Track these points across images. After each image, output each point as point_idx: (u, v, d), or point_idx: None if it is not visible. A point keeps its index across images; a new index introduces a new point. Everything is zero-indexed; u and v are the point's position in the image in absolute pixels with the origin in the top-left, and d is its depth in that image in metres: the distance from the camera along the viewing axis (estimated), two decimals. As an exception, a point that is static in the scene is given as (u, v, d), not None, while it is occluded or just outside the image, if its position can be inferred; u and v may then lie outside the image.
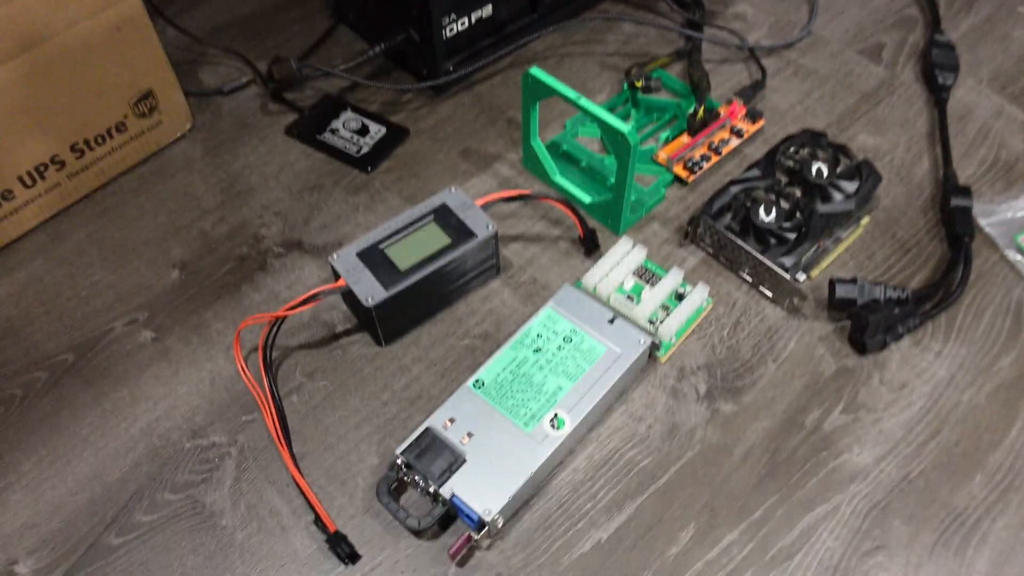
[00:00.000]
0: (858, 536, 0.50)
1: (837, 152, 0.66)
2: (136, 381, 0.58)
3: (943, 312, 0.60)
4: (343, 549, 0.49)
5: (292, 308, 0.54)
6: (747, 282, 0.62)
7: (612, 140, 0.57)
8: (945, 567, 0.49)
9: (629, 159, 0.57)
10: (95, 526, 0.52)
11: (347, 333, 0.60)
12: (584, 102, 0.57)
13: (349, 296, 0.56)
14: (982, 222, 0.65)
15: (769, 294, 0.60)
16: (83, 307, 0.62)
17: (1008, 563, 0.49)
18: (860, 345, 0.57)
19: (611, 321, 0.55)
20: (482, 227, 0.57)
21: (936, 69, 0.75)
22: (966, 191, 0.65)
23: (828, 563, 0.49)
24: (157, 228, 0.67)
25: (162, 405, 0.57)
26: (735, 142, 0.70)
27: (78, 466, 0.54)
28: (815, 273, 0.62)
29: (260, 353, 0.56)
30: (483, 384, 0.53)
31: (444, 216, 0.58)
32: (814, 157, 0.66)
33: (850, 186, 0.64)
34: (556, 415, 0.51)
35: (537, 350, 0.54)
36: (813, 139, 0.67)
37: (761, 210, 0.61)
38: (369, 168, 0.69)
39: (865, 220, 0.65)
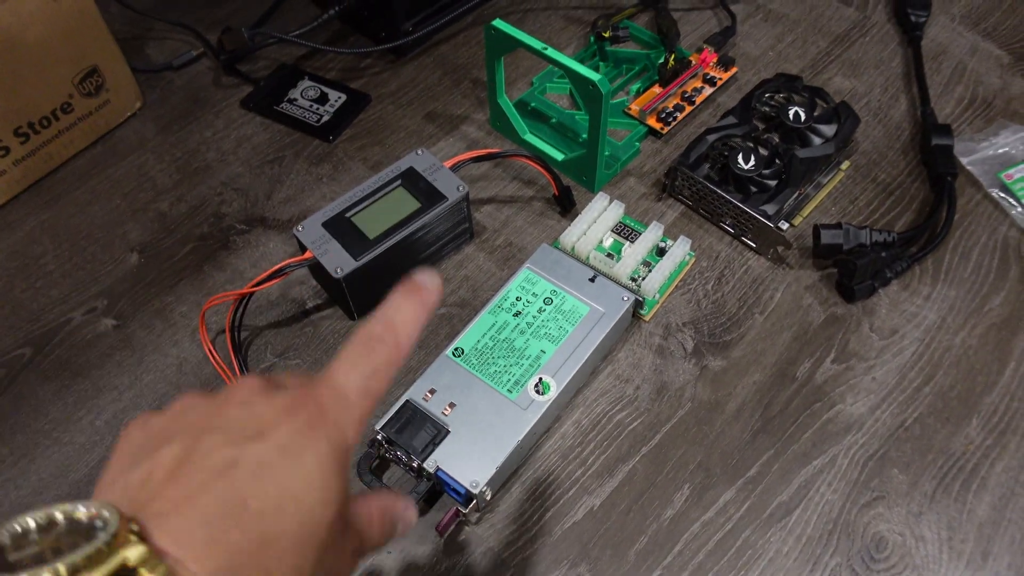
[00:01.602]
0: (856, 487, 0.49)
1: (813, 96, 0.64)
2: (99, 372, 0.55)
3: (930, 254, 0.58)
4: (325, 532, 0.47)
5: (258, 284, 0.51)
6: (729, 233, 0.60)
7: (582, 90, 0.55)
8: (946, 514, 0.48)
9: (601, 109, 0.54)
10: (63, 525, 0.49)
11: (317, 309, 0.57)
12: (551, 52, 0.55)
13: (317, 269, 0.54)
14: (963, 161, 0.63)
15: (752, 244, 0.59)
16: (38, 299, 0.59)
17: (1009, 506, 0.48)
18: (848, 292, 0.56)
19: (592, 279, 0.53)
20: (452, 189, 0.55)
21: (908, 7, 0.73)
22: (946, 129, 0.63)
23: (828, 516, 0.48)
24: (112, 212, 0.64)
25: (128, 395, 0.54)
26: (708, 91, 0.67)
27: (43, 464, 0.52)
28: (798, 221, 0.60)
29: (228, 334, 0.53)
30: (462, 352, 0.50)
31: (412, 180, 0.55)
32: (790, 102, 0.64)
33: (828, 129, 0.62)
34: (541, 380, 0.49)
35: (517, 314, 0.52)
36: (788, 83, 0.65)
37: (740, 157, 0.59)
38: (331, 137, 0.66)
39: (846, 165, 0.63)
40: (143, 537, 0.22)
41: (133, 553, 0.21)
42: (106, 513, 0.22)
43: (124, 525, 0.22)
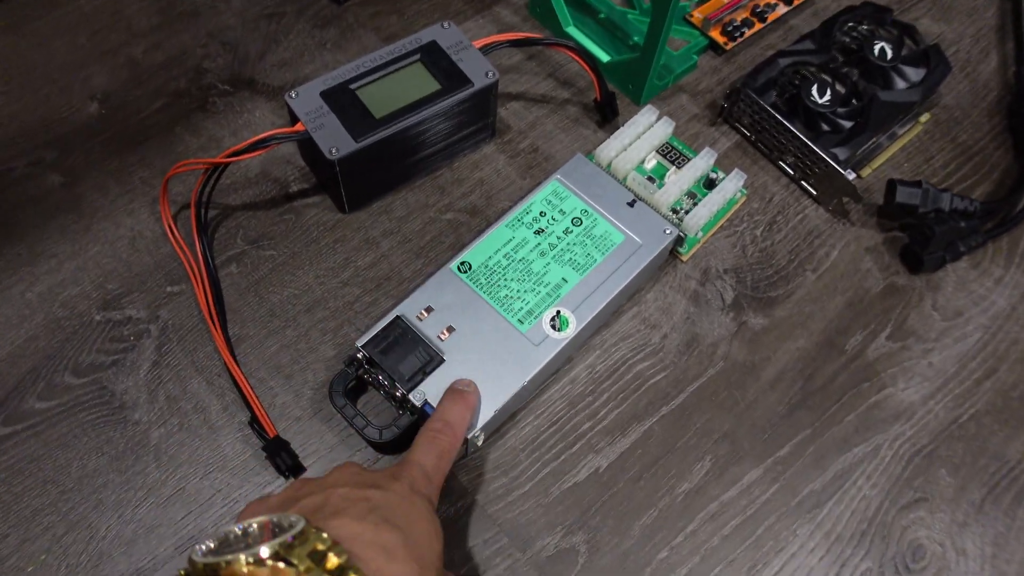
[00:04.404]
0: (898, 485, 0.43)
1: (902, 33, 0.56)
2: (37, 234, 0.47)
3: (1006, 233, 0.51)
4: (283, 460, 0.40)
5: (235, 154, 0.43)
6: (788, 175, 0.52)
7: (652, -20, 0.46)
8: (992, 528, 0.42)
9: (669, 7, 0.45)
10: (-25, 410, 0.42)
11: (303, 194, 0.49)
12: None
13: (308, 146, 0.45)
14: (1055, 133, 0.56)
15: (813, 191, 0.51)
16: (-23, 138, 0.50)
17: (1066, 527, 0.42)
18: (915, 261, 0.48)
19: (631, 204, 0.45)
20: (480, 74, 0.46)
21: (1012, -49, 0.64)
22: (1042, 94, 0.55)
23: (863, 514, 0.42)
24: (75, 51, 0.55)
25: (68, 266, 0.46)
26: (782, 9, 0.58)
27: (-42, 332, 0.44)
28: (866, 172, 0.52)
29: (193, 210, 0.45)
30: (469, 267, 0.42)
31: (433, 56, 0.47)
32: (875, 36, 0.55)
33: (915, 74, 0.54)
34: (559, 313, 0.41)
35: (539, 231, 0.44)
36: (876, 14, 0.56)
37: (814, 89, 0.51)
38: (341, -2, 0.57)
39: (925, 117, 0.55)
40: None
41: (322, 542, 0.26)
42: (292, 517, 0.28)
43: (309, 523, 0.27)
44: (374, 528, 0.29)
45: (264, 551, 0.25)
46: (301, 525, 0.27)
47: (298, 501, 0.31)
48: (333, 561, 0.26)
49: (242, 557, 0.25)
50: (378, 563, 0.28)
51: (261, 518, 0.28)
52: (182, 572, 0.27)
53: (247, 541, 0.27)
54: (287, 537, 0.26)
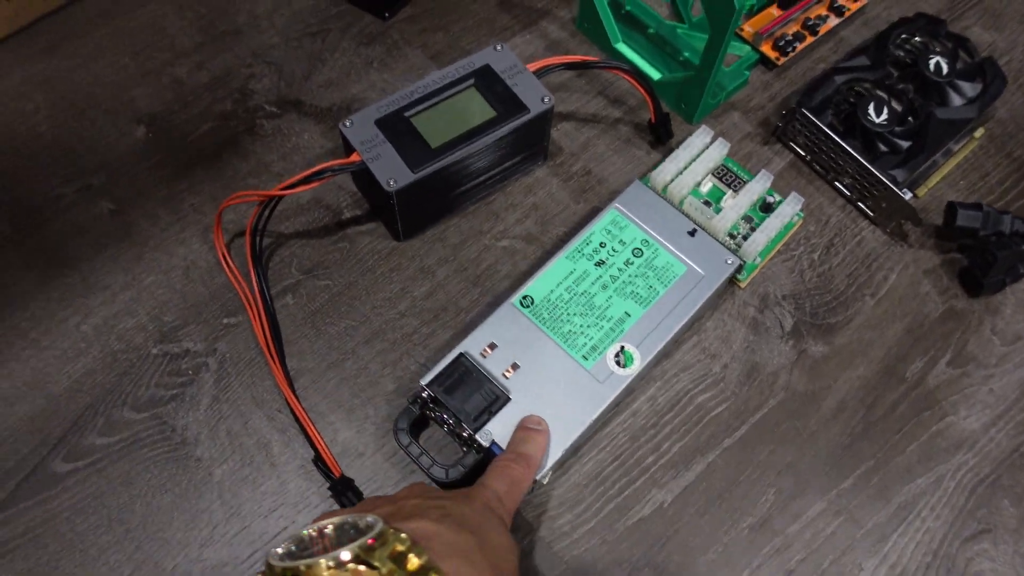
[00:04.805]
0: (961, 516, 0.42)
1: (957, 46, 0.55)
2: (89, 265, 0.47)
3: (1064, 250, 0.50)
4: (350, 499, 0.39)
5: (291, 187, 0.42)
6: (844, 196, 0.51)
7: None
8: (1058, 558, 0.41)
9: (729, 25, 0.44)
10: (37, 447, 0.41)
11: (356, 221, 0.49)
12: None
13: (363, 176, 0.45)
14: (1110, 144, 0.55)
15: (870, 212, 0.50)
16: (23, 166, 0.50)
17: None
18: (975, 284, 0.48)
19: (692, 233, 0.45)
20: (536, 99, 0.45)
21: (1064, -47, 0.62)
22: (1099, 105, 0.54)
23: (928, 547, 0.41)
24: (119, 71, 0.54)
25: (123, 297, 0.46)
26: (833, 21, 0.57)
27: (16, 369, 0.44)
28: (922, 192, 0.51)
29: (248, 240, 0.45)
30: (532, 302, 0.42)
31: (487, 81, 0.46)
32: (929, 49, 0.54)
33: (971, 89, 0.53)
34: (623, 349, 0.41)
35: (600, 263, 0.43)
36: (929, 27, 0.55)
37: (871, 108, 0.50)
38: (387, 14, 0.56)
39: (979, 132, 0.54)
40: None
41: (401, 543, 0.26)
42: (369, 519, 0.27)
43: (387, 524, 0.27)
44: (451, 531, 0.29)
45: (345, 555, 0.25)
46: (379, 527, 0.26)
47: (371, 511, 0.31)
48: (414, 562, 0.26)
49: (322, 561, 0.25)
50: (456, 563, 0.27)
51: (336, 519, 0.28)
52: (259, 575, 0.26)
53: (324, 543, 0.27)
54: (367, 540, 0.25)
